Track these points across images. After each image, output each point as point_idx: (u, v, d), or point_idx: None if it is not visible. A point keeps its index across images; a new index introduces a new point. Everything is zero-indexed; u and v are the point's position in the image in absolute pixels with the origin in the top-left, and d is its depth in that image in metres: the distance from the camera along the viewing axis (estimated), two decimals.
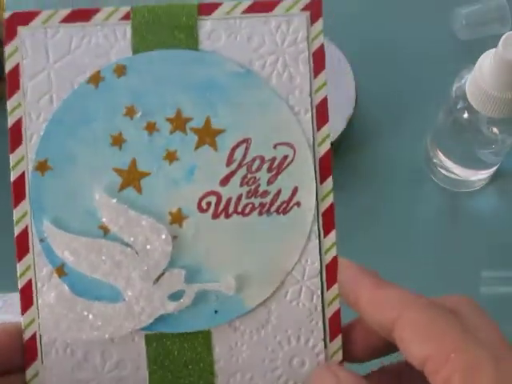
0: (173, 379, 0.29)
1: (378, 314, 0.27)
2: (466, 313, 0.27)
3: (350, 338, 0.30)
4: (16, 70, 0.29)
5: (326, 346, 0.29)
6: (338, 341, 0.29)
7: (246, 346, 0.29)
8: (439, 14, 0.59)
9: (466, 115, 0.48)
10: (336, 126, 0.53)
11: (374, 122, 0.57)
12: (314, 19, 0.30)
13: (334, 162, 0.55)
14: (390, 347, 0.30)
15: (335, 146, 0.53)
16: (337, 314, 0.29)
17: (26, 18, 0.29)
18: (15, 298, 0.30)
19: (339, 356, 0.29)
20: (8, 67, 0.29)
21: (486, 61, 0.43)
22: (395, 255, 0.54)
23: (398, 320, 0.26)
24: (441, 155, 0.54)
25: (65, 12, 0.29)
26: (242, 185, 0.29)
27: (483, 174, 0.54)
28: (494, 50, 0.42)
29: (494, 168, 0.54)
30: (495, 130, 0.48)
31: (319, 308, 0.29)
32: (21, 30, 0.29)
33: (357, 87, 0.53)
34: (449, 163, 0.54)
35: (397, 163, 0.57)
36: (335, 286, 0.29)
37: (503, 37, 0.40)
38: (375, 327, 0.27)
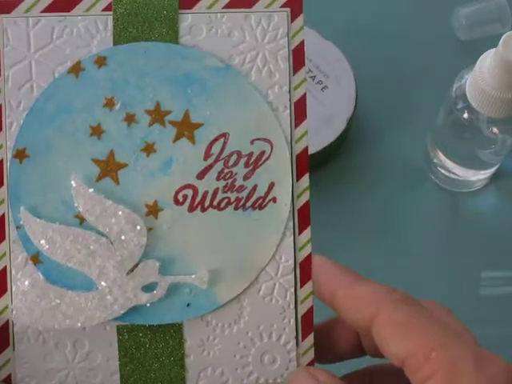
0: (143, 371, 0.29)
1: (354, 311, 0.27)
2: (438, 314, 0.26)
3: (330, 336, 0.30)
4: None
5: (297, 344, 0.29)
6: (310, 339, 0.29)
7: (217, 341, 0.29)
8: (439, 14, 0.59)
9: (466, 115, 0.48)
10: (336, 126, 0.53)
11: (374, 122, 0.57)
12: (294, 16, 0.30)
13: (334, 162, 0.56)
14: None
15: (335, 146, 0.53)
16: (309, 311, 0.29)
17: (8, 6, 0.29)
18: None
19: (311, 354, 0.29)
20: None
21: (486, 61, 0.43)
22: (395, 255, 0.54)
23: (376, 317, 0.25)
24: (441, 155, 0.54)
25: (47, 1, 0.29)
26: (218, 179, 0.29)
27: (483, 174, 0.54)
28: (493, 49, 0.42)
29: (494, 168, 0.54)
30: (495, 129, 0.48)
31: (292, 305, 0.29)
32: (3, 18, 0.29)
33: (357, 87, 0.53)
34: (449, 163, 0.54)
35: (397, 163, 0.56)
36: (309, 283, 0.29)
37: (503, 37, 0.40)
38: (353, 325, 0.27)
